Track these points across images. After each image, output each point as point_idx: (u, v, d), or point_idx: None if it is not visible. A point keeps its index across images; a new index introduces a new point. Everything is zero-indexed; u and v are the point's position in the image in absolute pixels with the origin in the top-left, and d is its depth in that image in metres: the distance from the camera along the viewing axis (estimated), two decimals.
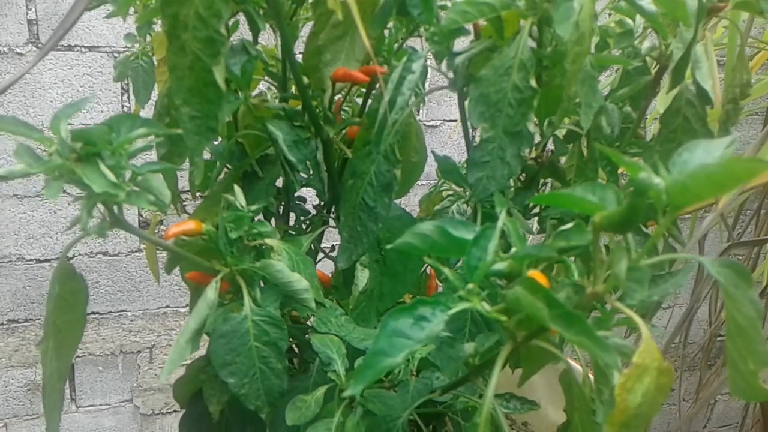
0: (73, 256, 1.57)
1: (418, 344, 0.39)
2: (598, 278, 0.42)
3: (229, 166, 0.75)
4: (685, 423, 1.57)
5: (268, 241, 0.59)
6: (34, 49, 1.43)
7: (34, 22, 1.42)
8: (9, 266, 1.53)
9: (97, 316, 1.62)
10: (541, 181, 0.81)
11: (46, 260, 1.54)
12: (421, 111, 1.71)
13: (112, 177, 0.46)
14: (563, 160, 0.81)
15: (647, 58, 0.73)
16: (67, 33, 0.59)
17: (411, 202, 1.74)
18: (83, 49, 1.47)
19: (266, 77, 0.77)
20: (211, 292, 0.55)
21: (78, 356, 1.63)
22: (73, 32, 1.45)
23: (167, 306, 1.67)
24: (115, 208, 0.52)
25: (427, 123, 1.73)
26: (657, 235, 0.42)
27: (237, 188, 0.59)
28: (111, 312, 1.64)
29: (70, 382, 1.64)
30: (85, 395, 1.67)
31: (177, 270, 0.72)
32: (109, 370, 1.68)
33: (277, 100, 0.76)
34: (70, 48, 1.46)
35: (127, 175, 0.52)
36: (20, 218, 1.51)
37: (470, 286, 0.41)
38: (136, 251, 1.60)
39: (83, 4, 0.57)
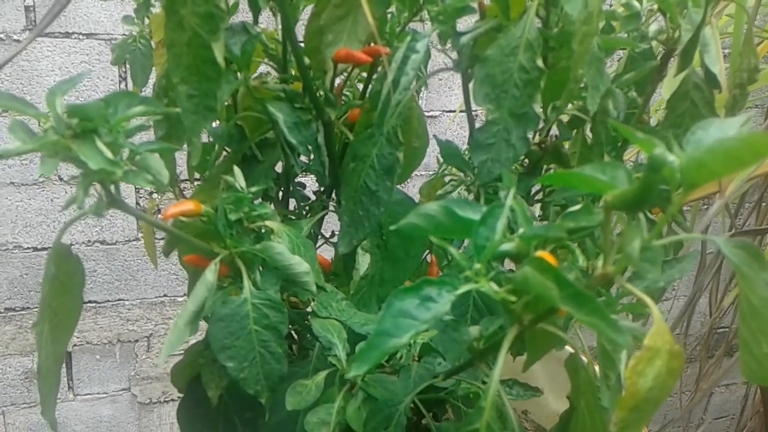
0: (71, 244, 1.55)
1: (424, 325, 0.38)
2: (608, 259, 0.41)
3: (228, 149, 0.74)
4: (684, 413, 1.56)
5: (268, 223, 0.58)
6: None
7: (32, 8, 1.40)
8: (6, 254, 1.52)
9: (94, 304, 1.61)
10: (545, 167, 0.80)
11: (44, 248, 1.53)
12: (420, 101, 1.70)
13: (109, 154, 0.45)
14: (567, 146, 0.80)
15: (652, 44, 0.72)
16: (60, 13, 0.58)
17: (411, 191, 1.73)
18: (81, 36, 1.45)
19: (266, 60, 0.75)
20: (210, 275, 0.54)
21: (75, 345, 1.62)
22: (70, 19, 1.43)
23: (165, 295, 1.66)
24: (112, 187, 0.51)
25: (426, 113, 1.71)
26: (669, 215, 0.41)
27: (237, 169, 0.58)
28: (108, 301, 1.63)
29: (68, 370, 1.63)
30: (83, 384, 1.66)
31: (175, 259, 0.71)
32: (106, 359, 1.67)
33: (277, 83, 0.74)
34: (67, 35, 1.45)
35: (125, 154, 0.51)
36: (17, 206, 1.50)
37: (477, 266, 0.40)
38: (133, 240, 1.59)
39: None
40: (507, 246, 0.42)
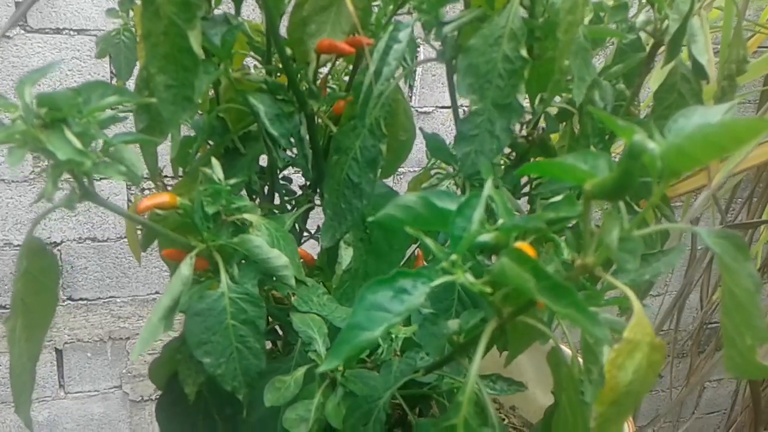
0: (61, 241, 1.55)
1: (398, 318, 0.37)
2: (588, 249, 0.40)
3: (211, 142, 0.73)
4: (675, 408, 1.56)
5: (246, 216, 0.57)
6: (22, 31, 1.40)
7: (22, 4, 1.39)
8: None
9: (85, 302, 1.60)
10: (532, 160, 0.79)
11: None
12: (413, 97, 1.69)
13: (78, 144, 0.44)
14: (555, 139, 0.79)
15: (642, 37, 0.71)
16: (29, 8, 0.57)
17: (401, 188, 1.72)
18: (72, 32, 1.44)
19: (251, 53, 0.74)
20: (185, 268, 0.53)
21: (66, 342, 1.61)
22: (61, 15, 1.42)
23: (157, 292, 1.65)
24: (85, 179, 0.50)
25: (419, 109, 1.70)
26: (651, 204, 0.40)
27: (215, 161, 0.57)
28: (100, 298, 1.62)
29: (59, 368, 1.62)
30: (74, 382, 1.65)
31: None
32: (98, 357, 1.66)
33: (262, 74, 0.73)
34: (58, 31, 1.43)
35: (99, 145, 0.50)
36: (7, 203, 1.48)
37: (453, 257, 0.39)
38: (124, 237, 1.58)
39: None
40: (485, 237, 0.41)
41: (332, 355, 0.37)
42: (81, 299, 1.60)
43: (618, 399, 0.38)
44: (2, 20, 1.38)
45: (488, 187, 0.40)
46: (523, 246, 0.41)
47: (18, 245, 1.51)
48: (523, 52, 0.55)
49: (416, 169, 1.67)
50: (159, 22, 0.52)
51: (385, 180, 0.90)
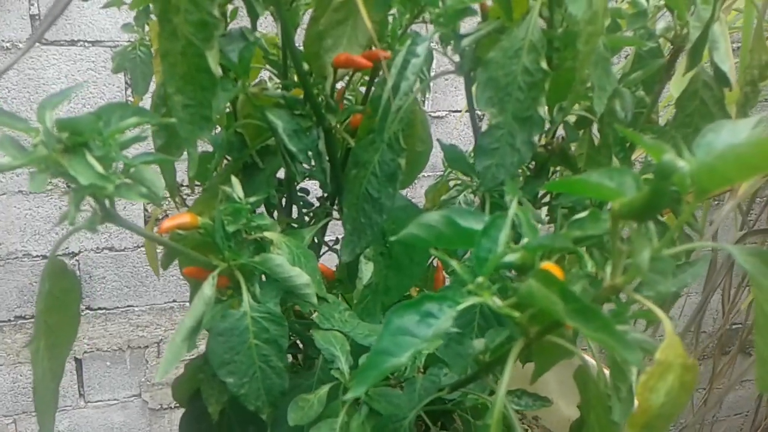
0: (79, 252, 1.56)
1: (425, 343, 0.37)
2: (617, 269, 0.39)
3: (229, 158, 0.72)
4: (699, 415, 1.54)
5: (267, 234, 0.56)
6: (37, 44, 1.41)
7: (37, 17, 1.40)
8: (15, 262, 1.52)
9: (104, 311, 1.61)
10: (552, 170, 0.78)
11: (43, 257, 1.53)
12: (426, 101, 1.68)
13: (99, 168, 0.44)
14: (573, 147, 0.78)
15: (660, 41, 0.70)
16: (57, 18, 0.57)
17: (417, 193, 1.71)
18: (86, 44, 1.45)
19: (267, 66, 0.74)
20: (208, 288, 0.53)
21: (86, 352, 1.62)
22: (76, 27, 1.43)
23: (174, 300, 1.65)
24: (107, 201, 0.50)
25: (432, 114, 1.70)
26: (680, 222, 0.39)
27: (234, 179, 0.57)
28: (118, 307, 1.63)
29: (78, 377, 1.64)
30: (94, 391, 1.66)
31: None
32: (117, 366, 1.67)
33: (278, 89, 0.73)
34: (73, 43, 1.44)
35: (120, 166, 0.50)
36: (26, 214, 1.50)
37: (480, 279, 0.39)
38: (142, 246, 1.59)
39: None
40: (511, 257, 0.41)
41: (359, 381, 0.36)
42: (99, 308, 1.61)
43: (650, 422, 0.38)
44: (18, 32, 1.39)
45: (513, 207, 0.40)
46: (550, 266, 0.40)
47: (36, 256, 1.52)
48: (544, 64, 0.55)
49: (431, 174, 1.66)
50: (176, 42, 0.52)
51: (408, 183, 0.90)
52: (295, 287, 0.56)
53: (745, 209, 1.39)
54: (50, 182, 0.45)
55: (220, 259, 0.55)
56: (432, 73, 0.71)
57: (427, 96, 1.67)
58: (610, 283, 0.39)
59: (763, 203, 1.50)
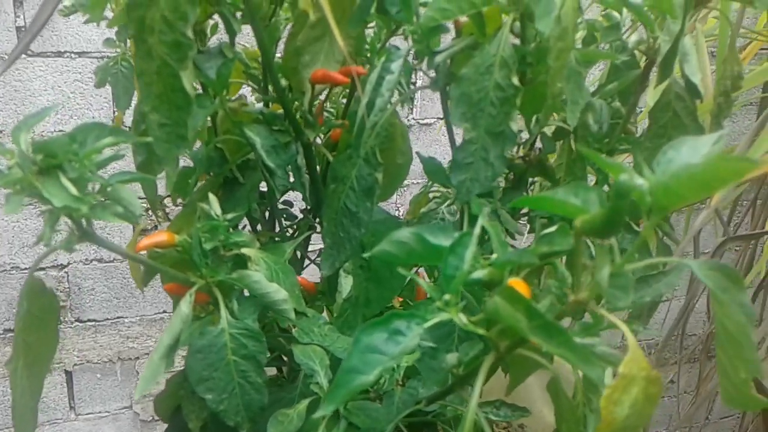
0: (68, 263, 1.56)
1: (392, 360, 0.37)
2: (581, 285, 0.40)
3: (210, 173, 0.73)
4: (686, 419, 1.55)
5: (245, 250, 0.57)
6: (24, 55, 1.41)
7: (23, 29, 1.40)
8: (4, 275, 1.51)
9: (94, 323, 1.61)
10: (531, 180, 0.79)
11: (41, 269, 1.53)
12: (414, 109, 1.69)
13: (73, 190, 0.44)
14: (554, 156, 0.79)
15: (637, 52, 0.71)
16: (40, 31, 0.58)
17: (405, 201, 1.72)
18: (73, 55, 1.45)
19: (248, 80, 0.75)
20: (185, 306, 0.53)
21: (76, 364, 1.62)
22: (62, 38, 1.43)
23: (164, 311, 1.65)
24: (83, 220, 0.50)
25: (421, 121, 1.71)
26: (643, 237, 0.40)
27: (212, 197, 0.57)
28: (108, 319, 1.63)
29: (69, 390, 1.63)
30: (84, 403, 1.66)
31: None
32: (107, 377, 1.66)
33: (260, 104, 0.74)
34: (59, 54, 1.44)
35: (96, 186, 0.51)
36: (14, 227, 1.49)
37: (447, 296, 0.39)
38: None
39: (50, 9, 0.55)
40: (479, 274, 0.42)
41: (329, 400, 0.37)
42: (89, 320, 1.61)
43: None
44: (4, 44, 1.39)
45: (479, 226, 0.40)
46: (517, 283, 0.41)
47: (25, 269, 1.52)
48: (515, 80, 0.55)
49: (419, 181, 1.67)
50: (152, 62, 0.53)
51: (388, 195, 0.90)
52: (273, 303, 0.56)
53: (728, 214, 1.40)
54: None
55: (198, 276, 0.55)
56: (418, 84, 0.72)
57: (414, 104, 1.68)
58: (574, 299, 0.40)
59: (746, 208, 1.51)
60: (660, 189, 0.35)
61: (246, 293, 0.61)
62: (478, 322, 0.40)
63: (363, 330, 0.38)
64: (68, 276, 1.56)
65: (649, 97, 0.81)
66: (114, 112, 1.48)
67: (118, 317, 1.63)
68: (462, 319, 0.39)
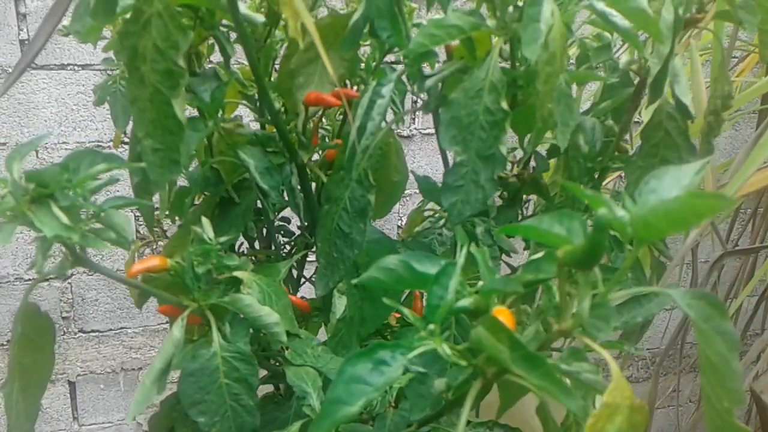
0: (71, 275, 1.56)
1: (377, 391, 0.38)
2: (565, 314, 0.40)
3: (206, 193, 0.74)
4: (689, 429, 1.54)
5: (237, 274, 0.57)
6: (27, 69, 1.42)
7: (27, 42, 1.41)
8: (7, 287, 1.52)
9: (97, 334, 1.61)
10: (525, 198, 0.79)
11: (44, 280, 1.54)
12: (417, 120, 1.70)
13: (65, 219, 0.45)
14: (549, 174, 0.79)
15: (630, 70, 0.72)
16: (44, 45, 0.58)
17: (407, 209, 1.72)
18: (76, 68, 1.46)
19: (244, 101, 0.75)
20: (177, 330, 0.54)
21: (79, 375, 1.62)
22: (65, 51, 1.44)
23: (167, 322, 1.66)
24: (77, 246, 0.51)
25: (423, 131, 1.71)
26: (625, 268, 0.40)
27: (205, 220, 0.58)
28: (111, 329, 1.63)
29: (72, 400, 1.64)
30: (87, 414, 1.66)
31: None
32: (110, 388, 1.67)
33: (256, 124, 0.74)
34: (63, 67, 1.45)
35: (91, 211, 0.51)
36: (17, 238, 1.50)
37: (431, 326, 0.40)
38: None
39: (49, 29, 0.56)
40: (464, 302, 0.42)
41: (315, 431, 0.37)
42: (93, 331, 1.62)
43: None
44: (7, 57, 1.40)
45: (463, 255, 0.41)
46: (501, 312, 0.41)
47: (28, 280, 1.53)
48: (504, 105, 0.56)
49: (418, 192, 1.67)
50: (144, 89, 0.53)
51: (385, 212, 0.91)
52: (265, 326, 0.57)
53: (727, 225, 1.40)
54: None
55: (191, 300, 0.56)
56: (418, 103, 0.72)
57: (418, 115, 1.68)
58: (558, 328, 0.40)
59: (747, 219, 1.51)
60: (639, 222, 0.35)
61: (237, 316, 0.62)
62: (463, 351, 0.41)
63: (348, 360, 0.39)
64: (72, 287, 1.57)
65: (645, 114, 0.81)
66: None
67: (121, 328, 1.63)
68: (446, 349, 0.39)
